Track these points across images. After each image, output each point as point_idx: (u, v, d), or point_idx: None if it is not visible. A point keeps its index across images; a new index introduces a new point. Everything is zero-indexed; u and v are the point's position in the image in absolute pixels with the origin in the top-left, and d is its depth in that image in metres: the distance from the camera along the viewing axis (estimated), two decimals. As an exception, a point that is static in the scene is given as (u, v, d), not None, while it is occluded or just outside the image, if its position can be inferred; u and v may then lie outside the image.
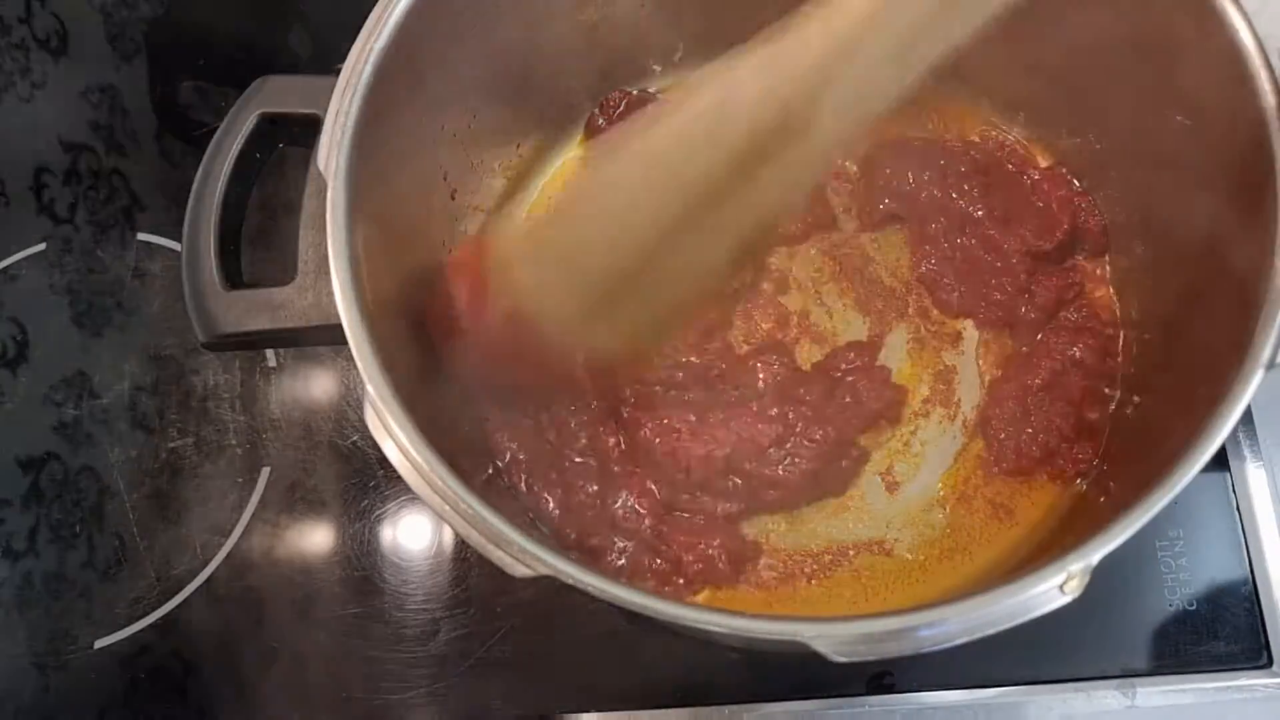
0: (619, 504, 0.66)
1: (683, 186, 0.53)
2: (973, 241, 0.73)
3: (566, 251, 0.59)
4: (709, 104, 0.53)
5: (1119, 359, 0.71)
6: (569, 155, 0.80)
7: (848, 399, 0.69)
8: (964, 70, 0.74)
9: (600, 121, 0.78)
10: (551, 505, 0.67)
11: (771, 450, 0.67)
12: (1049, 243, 0.72)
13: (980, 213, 0.73)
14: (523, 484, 0.68)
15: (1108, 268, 0.74)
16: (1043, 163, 0.76)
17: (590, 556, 0.65)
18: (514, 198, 0.78)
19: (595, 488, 0.67)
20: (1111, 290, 0.73)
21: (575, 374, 0.67)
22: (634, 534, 0.66)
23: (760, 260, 0.75)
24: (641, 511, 0.66)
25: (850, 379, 0.70)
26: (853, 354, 0.71)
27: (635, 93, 0.79)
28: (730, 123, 0.52)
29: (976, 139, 0.77)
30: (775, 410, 0.67)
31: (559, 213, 0.65)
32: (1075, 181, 0.74)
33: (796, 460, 0.67)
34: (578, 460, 0.68)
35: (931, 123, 0.78)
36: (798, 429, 0.67)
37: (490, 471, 0.69)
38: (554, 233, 0.62)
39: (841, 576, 0.68)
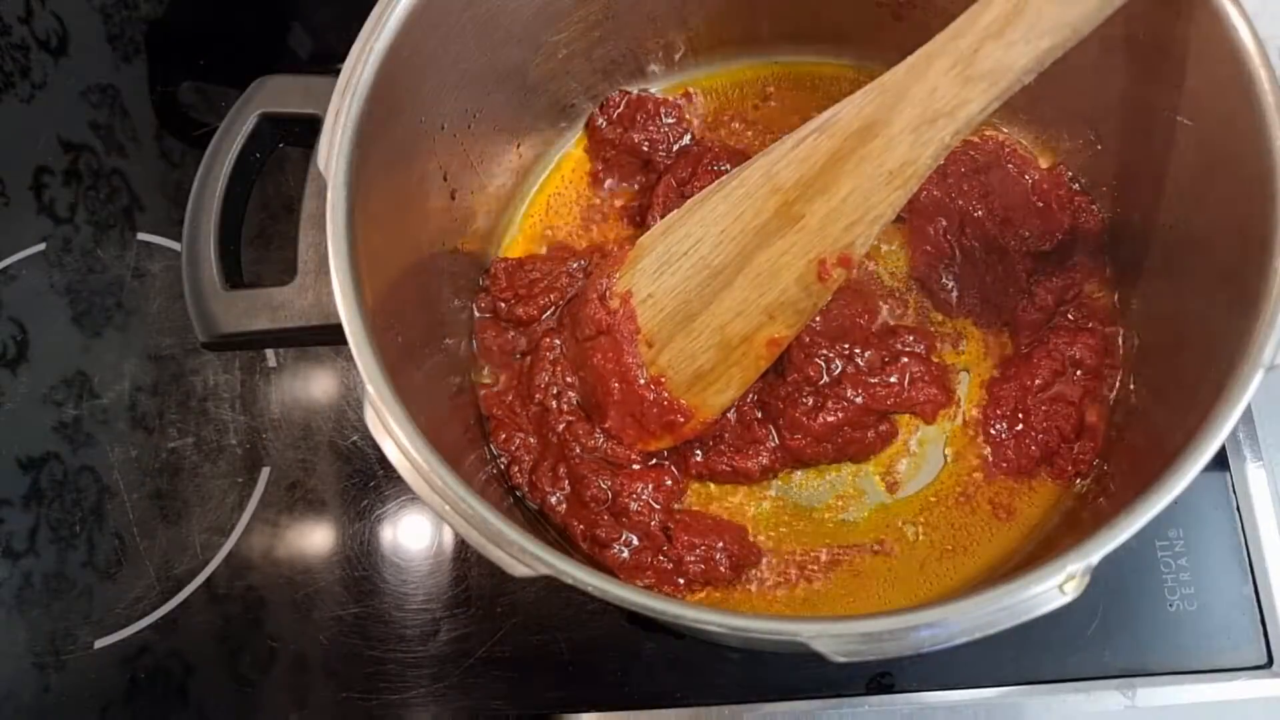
0: (631, 496, 0.67)
1: (774, 187, 0.59)
2: (973, 242, 0.73)
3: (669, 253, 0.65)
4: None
5: (1119, 359, 0.71)
6: (569, 154, 0.80)
7: (894, 379, 0.70)
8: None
9: (600, 122, 0.78)
10: (557, 500, 0.67)
11: (809, 397, 0.68)
12: (1049, 243, 0.72)
13: (980, 213, 0.73)
14: (525, 480, 0.68)
15: (1108, 268, 0.74)
16: (1043, 163, 0.76)
17: (597, 547, 0.66)
18: (514, 197, 0.79)
19: (607, 482, 0.67)
20: (1111, 290, 0.73)
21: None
22: (641, 528, 0.66)
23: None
24: (655, 506, 0.67)
25: (905, 359, 0.70)
26: (912, 337, 0.72)
27: (635, 93, 0.79)
28: (820, 135, 0.58)
29: (976, 139, 0.77)
30: (825, 354, 0.69)
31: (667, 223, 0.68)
32: (1075, 182, 0.74)
33: (827, 411, 0.68)
34: (590, 447, 0.69)
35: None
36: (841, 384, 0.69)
37: (491, 470, 0.69)
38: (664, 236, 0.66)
39: (841, 576, 0.68)
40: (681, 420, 0.67)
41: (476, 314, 0.74)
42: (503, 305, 0.73)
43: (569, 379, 0.70)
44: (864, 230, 0.57)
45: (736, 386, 0.66)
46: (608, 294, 0.68)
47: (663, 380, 0.66)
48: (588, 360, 0.68)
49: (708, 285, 0.63)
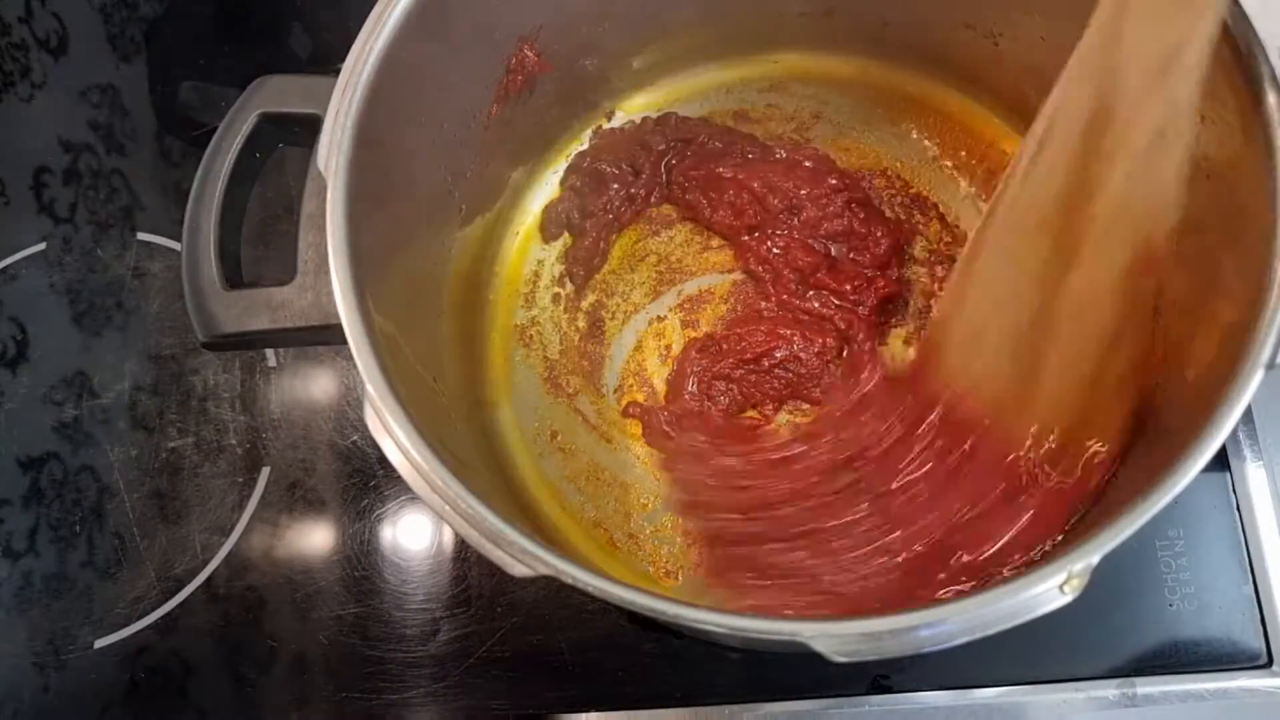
0: None
1: (1038, 220, 0.55)
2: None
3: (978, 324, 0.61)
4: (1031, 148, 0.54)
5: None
6: (571, 151, 0.80)
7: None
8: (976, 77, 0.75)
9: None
10: None
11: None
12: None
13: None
14: None
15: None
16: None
17: None
18: (515, 197, 0.79)
19: None
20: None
21: None
22: None
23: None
24: None
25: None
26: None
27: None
28: (1057, 133, 0.52)
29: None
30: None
31: (959, 292, 0.64)
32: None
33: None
34: None
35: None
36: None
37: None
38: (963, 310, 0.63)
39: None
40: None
41: None
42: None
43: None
44: (1160, 200, 0.51)
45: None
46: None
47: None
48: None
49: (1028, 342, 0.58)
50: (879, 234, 0.74)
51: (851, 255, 0.74)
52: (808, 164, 0.76)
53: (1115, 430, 0.60)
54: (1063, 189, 0.54)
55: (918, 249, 0.76)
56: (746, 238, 0.75)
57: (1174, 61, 0.48)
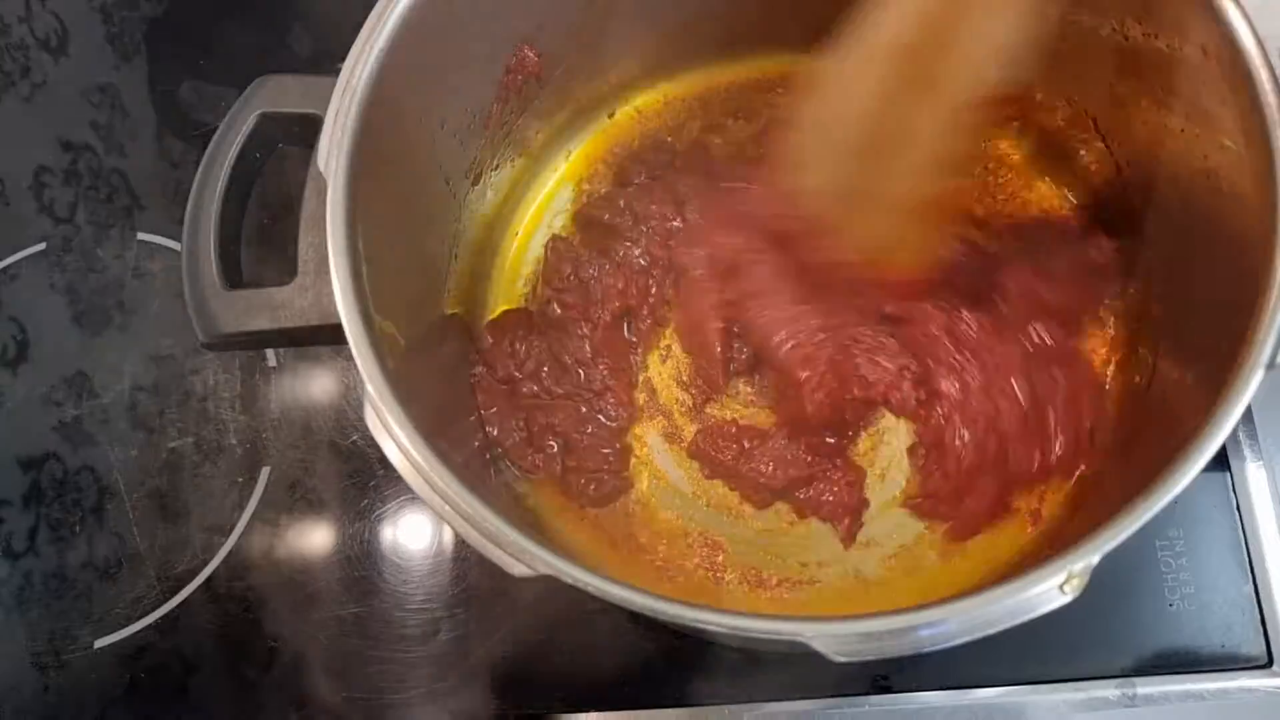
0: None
1: (900, 53, 0.58)
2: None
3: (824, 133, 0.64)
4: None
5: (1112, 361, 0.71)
6: (572, 151, 0.80)
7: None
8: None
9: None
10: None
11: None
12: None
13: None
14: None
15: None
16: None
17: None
18: (515, 197, 0.79)
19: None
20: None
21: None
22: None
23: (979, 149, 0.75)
24: None
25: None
26: None
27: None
28: None
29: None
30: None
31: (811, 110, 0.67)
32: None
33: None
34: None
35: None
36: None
37: (487, 457, 0.69)
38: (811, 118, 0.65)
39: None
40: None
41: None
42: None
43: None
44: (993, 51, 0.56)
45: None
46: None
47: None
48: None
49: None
50: None
51: None
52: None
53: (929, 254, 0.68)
54: (928, 26, 0.57)
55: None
56: None
57: None
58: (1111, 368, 0.71)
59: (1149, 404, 0.66)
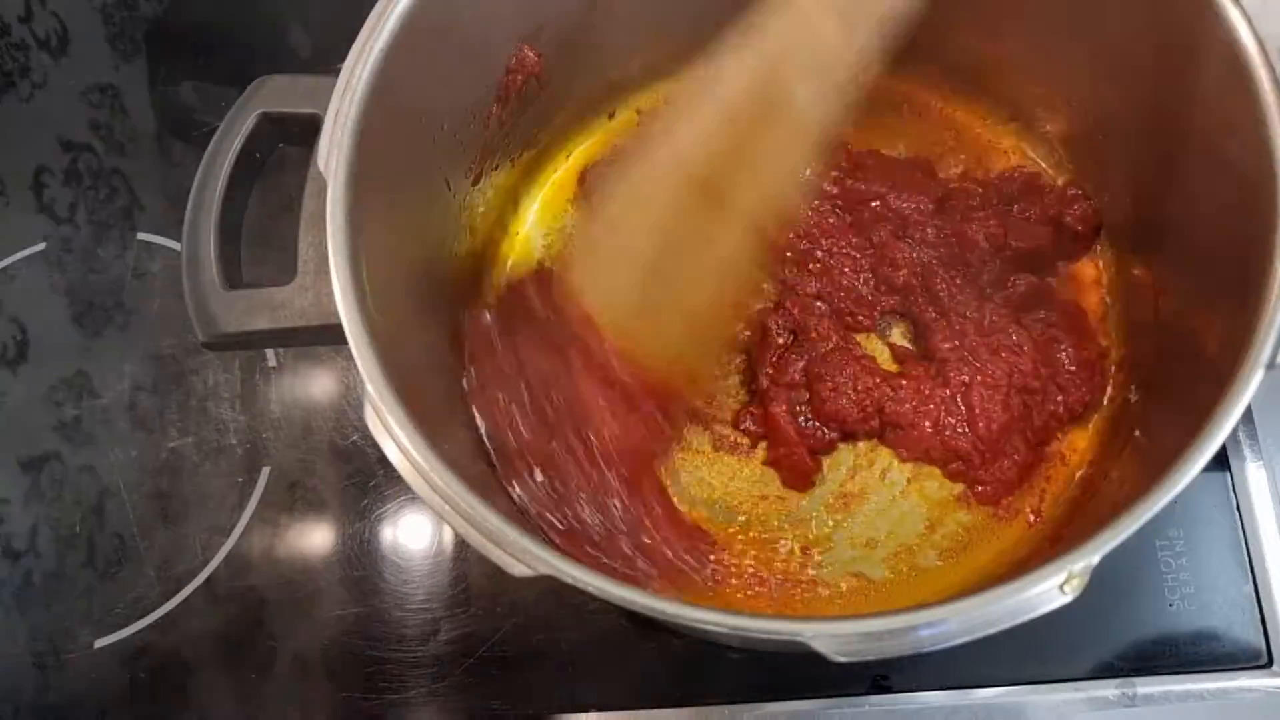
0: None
1: (688, 173, 0.58)
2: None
3: (607, 250, 0.64)
4: (696, 98, 0.59)
5: (1110, 360, 0.71)
6: (572, 151, 0.80)
7: None
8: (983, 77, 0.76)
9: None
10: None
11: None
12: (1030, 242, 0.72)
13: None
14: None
15: (1104, 270, 0.74)
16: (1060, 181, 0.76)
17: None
18: (515, 197, 0.79)
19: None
20: (1105, 292, 0.74)
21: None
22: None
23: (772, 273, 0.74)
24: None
25: None
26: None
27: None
28: (715, 110, 0.57)
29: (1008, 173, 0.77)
30: None
31: (595, 215, 0.68)
32: (1078, 187, 0.74)
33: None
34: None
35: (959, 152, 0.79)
36: None
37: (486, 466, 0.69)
38: (595, 232, 0.66)
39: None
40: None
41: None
42: None
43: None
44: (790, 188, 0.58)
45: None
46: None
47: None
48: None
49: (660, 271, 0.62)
50: None
51: None
52: None
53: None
54: (726, 149, 0.57)
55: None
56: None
57: (829, 80, 0.54)
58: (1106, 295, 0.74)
59: (1149, 404, 0.67)
